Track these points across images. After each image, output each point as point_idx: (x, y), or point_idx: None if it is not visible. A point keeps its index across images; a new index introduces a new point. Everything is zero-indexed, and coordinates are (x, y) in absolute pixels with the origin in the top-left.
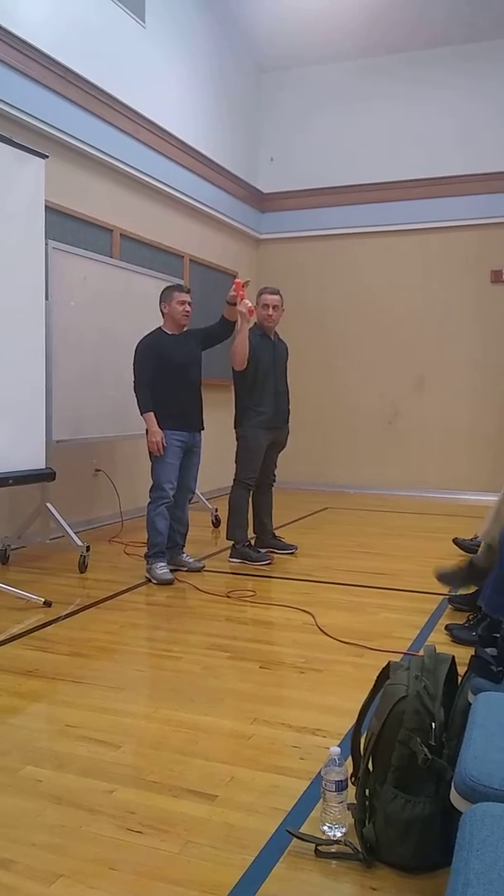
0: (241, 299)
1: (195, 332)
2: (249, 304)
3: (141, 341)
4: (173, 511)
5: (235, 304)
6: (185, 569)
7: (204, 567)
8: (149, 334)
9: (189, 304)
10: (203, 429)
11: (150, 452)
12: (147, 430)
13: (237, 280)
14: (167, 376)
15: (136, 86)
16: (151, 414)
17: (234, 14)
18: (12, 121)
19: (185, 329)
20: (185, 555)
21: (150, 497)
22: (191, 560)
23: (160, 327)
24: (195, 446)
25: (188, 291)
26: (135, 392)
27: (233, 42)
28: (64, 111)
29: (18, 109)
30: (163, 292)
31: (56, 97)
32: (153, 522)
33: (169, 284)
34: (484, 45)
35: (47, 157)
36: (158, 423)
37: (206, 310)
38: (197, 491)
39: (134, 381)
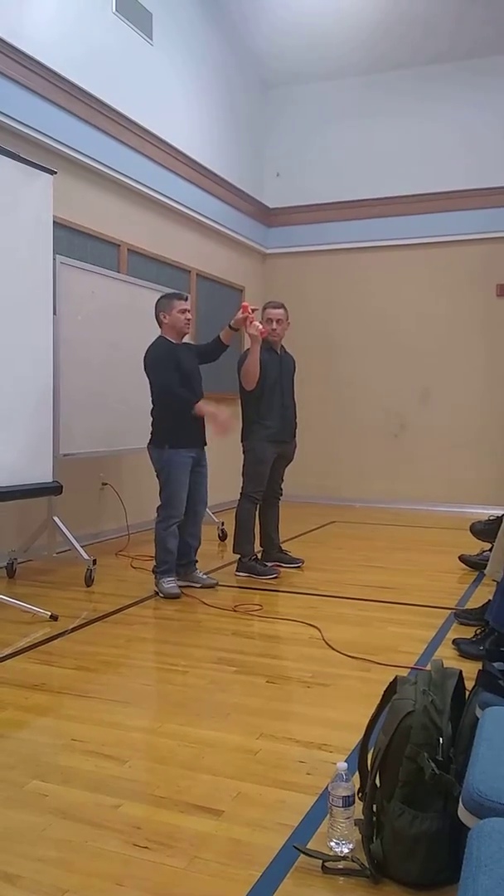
0: (251, 321)
1: (192, 346)
2: (261, 327)
3: (155, 349)
4: (187, 526)
5: (238, 329)
6: (199, 585)
7: (217, 584)
8: (158, 342)
9: (189, 311)
10: (206, 444)
11: (224, 431)
12: (209, 415)
13: (245, 304)
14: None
15: (142, 102)
16: (201, 401)
17: (240, 31)
18: (20, 137)
19: (184, 339)
20: (198, 571)
21: (161, 516)
22: (205, 577)
23: (162, 336)
24: (202, 460)
25: (186, 299)
26: (170, 397)
27: (239, 58)
28: (71, 127)
29: (26, 126)
30: (159, 301)
31: (63, 113)
32: (164, 541)
33: (164, 293)
34: (489, 60)
35: (55, 172)
36: (171, 442)
37: (212, 324)
38: None
39: (163, 388)
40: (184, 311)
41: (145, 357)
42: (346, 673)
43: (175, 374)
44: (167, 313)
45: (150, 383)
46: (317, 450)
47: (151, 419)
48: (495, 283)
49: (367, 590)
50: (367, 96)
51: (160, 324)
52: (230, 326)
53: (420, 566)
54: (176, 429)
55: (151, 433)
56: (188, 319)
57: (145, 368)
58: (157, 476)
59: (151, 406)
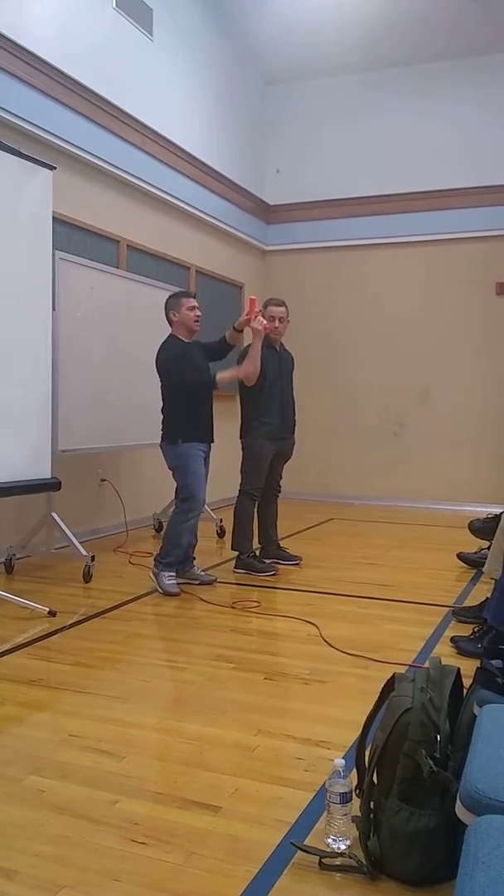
0: (256, 317)
1: (201, 344)
2: (265, 322)
3: (168, 348)
4: None
5: (241, 331)
6: (198, 582)
7: (216, 580)
8: (169, 341)
9: (198, 308)
10: (213, 441)
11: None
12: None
13: (252, 297)
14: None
15: (143, 98)
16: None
17: (240, 27)
18: (20, 132)
19: (194, 336)
20: (196, 568)
21: (181, 508)
22: (203, 574)
23: (173, 335)
24: (207, 457)
25: (194, 296)
26: (195, 385)
27: (239, 55)
28: (71, 123)
29: (26, 121)
30: (169, 300)
31: (64, 109)
32: (178, 535)
33: (172, 292)
34: (489, 57)
35: (55, 168)
36: (184, 436)
37: (211, 320)
38: None
39: (185, 383)
40: (192, 309)
41: (157, 356)
42: (343, 670)
43: (192, 369)
44: (176, 311)
45: (162, 381)
46: (315, 447)
47: (162, 417)
48: (494, 281)
49: (366, 587)
50: (366, 94)
51: (171, 323)
52: (234, 328)
53: (418, 564)
54: (187, 423)
55: (163, 431)
56: (197, 317)
57: (158, 367)
58: (174, 473)
59: (162, 404)
